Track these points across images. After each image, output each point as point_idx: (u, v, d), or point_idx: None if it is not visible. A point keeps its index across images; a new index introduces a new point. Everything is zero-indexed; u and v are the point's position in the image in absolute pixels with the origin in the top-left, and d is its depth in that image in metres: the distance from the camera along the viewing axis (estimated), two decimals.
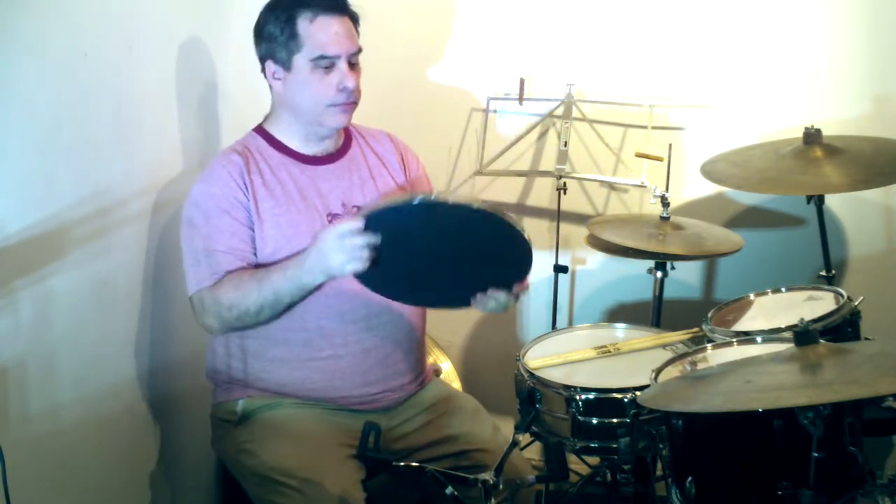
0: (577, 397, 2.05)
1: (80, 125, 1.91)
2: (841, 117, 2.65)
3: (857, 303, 2.06)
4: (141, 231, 2.15)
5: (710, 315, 2.23)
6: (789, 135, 2.48)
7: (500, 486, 1.70)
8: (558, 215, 2.75)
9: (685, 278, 2.87)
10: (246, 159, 2.04)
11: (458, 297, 1.97)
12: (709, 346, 2.04)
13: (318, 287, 1.96)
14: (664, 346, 2.27)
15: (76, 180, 1.90)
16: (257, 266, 2.01)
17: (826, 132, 2.37)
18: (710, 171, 2.45)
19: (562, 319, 2.93)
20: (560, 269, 2.76)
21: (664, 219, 2.52)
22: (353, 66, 2.04)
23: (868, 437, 1.74)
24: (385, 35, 2.91)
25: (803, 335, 1.61)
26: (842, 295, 2.09)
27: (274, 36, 2.02)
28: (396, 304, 2.07)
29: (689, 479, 1.72)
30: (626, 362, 2.23)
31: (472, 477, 1.69)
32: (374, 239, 1.82)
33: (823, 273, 2.48)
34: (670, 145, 2.61)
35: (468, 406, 2.20)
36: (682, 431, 1.76)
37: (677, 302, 2.81)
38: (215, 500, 2.56)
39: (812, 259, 2.56)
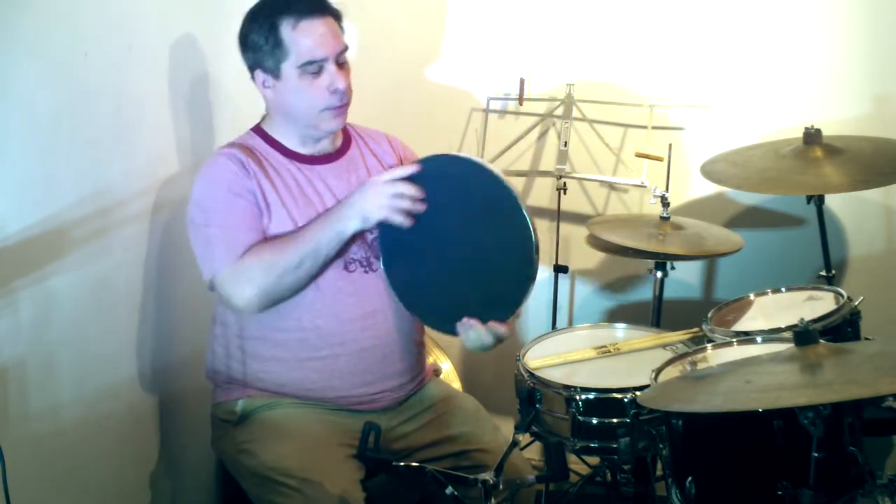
0: (577, 397, 2.05)
1: (80, 125, 1.91)
2: (841, 117, 2.65)
3: (857, 303, 2.06)
4: (141, 231, 2.15)
5: (710, 315, 2.23)
6: (789, 135, 2.48)
7: (500, 486, 1.70)
8: (558, 215, 2.75)
9: (685, 278, 2.88)
10: (246, 153, 2.04)
11: (445, 318, 1.98)
12: (709, 346, 2.04)
13: (353, 239, 1.99)
14: (664, 346, 2.27)
15: (76, 180, 1.90)
16: None
17: (826, 132, 2.37)
18: (710, 171, 2.45)
19: (562, 319, 2.93)
20: (560, 269, 2.77)
21: (664, 219, 2.52)
22: (341, 65, 2.02)
23: (868, 437, 1.74)
24: (385, 35, 2.92)
25: (803, 335, 1.61)
26: (842, 295, 2.09)
27: (259, 45, 2.00)
28: (394, 304, 2.07)
29: (689, 479, 1.72)
30: (626, 362, 2.23)
31: (472, 477, 1.69)
32: (417, 193, 1.90)
33: (823, 273, 2.49)
34: (670, 145, 2.61)
35: (468, 406, 2.20)
36: (682, 431, 1.76)
37: (677, 302, 2.81)
38: (215, 500, 2.56)
39: (812, 259, 2.57)
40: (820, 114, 2.61)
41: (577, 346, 2.30)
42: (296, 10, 1.97)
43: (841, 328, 2.01)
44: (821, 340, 1.61)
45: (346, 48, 2.04)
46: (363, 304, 2.04)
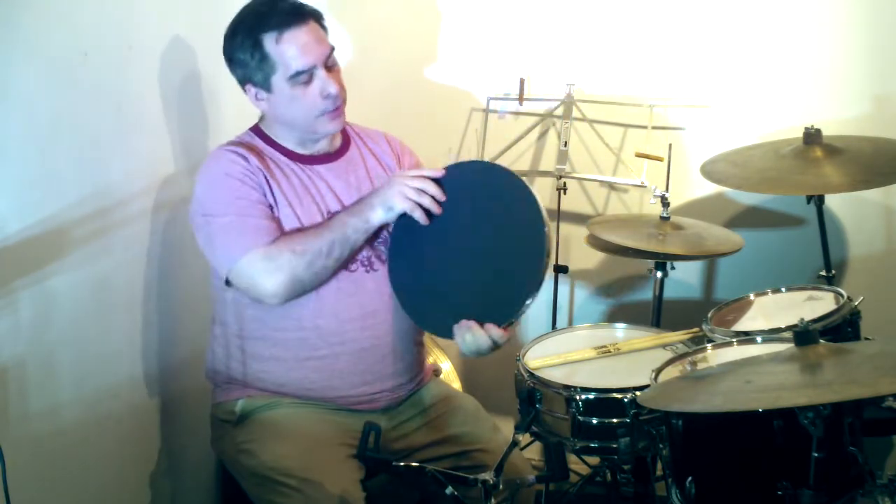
0: (577, 397, 2.05)
1: (80, 125, 1.91)
2: (841, 117, 2.65)
3: (857, 303, 2.05)
4: (141, 231, 2.15)
5: (710, 315, 2.23)
6: (789, 135, 2.48)
7: (500, 486, 1.70)
8: (558, 215, 2.76)
9: (685, 278, 2.88)
10: (249, 151, 2.03)
11: (442, 321, 1.97)
12: (709, 346, 2.04)
13: (379, 231, 2.03)
14: (664, 346, 2.27)
15: (76, 180, 1.90)
16: None
17: (826, 132, 2.37)
18: (710, 171, 2.45)
19: (562, 319, 2.93)
20: (560, 269, 2.77)
21: (664, 219, 2.52)
22: (330, 68, 2.01)
23: (868, 437, 1.73)
24: (385, 35, 2.92)
25: (803, 335, 1.61)
26: (842, 295, 2.09)
27: (245, 62, 1.98)
28: (394, 304, 2.07)
29: (689, 479, 1.72)
30: (626, 362, 2.23)
31: (472, 477, 1.69)
32: (439, 194, 1.95)
33: (823, 273, 2.48)
34: (670, 145, 2.61)
35: (468, 406, 2.20)
36: (682, 431, 1.76)
37: (677, 302, 2.81)
38: (215, 500, 2.56)
39: (812, 259, 2.56)
40: (820, 114, 2.61)
41: (577, 346, 2.30)
42: (276, 22, 1.94)
43: (841, 328, 2.01)
44: (821, 340, 1.61)
45: (332, 50, 2.02)
46: (363, 303, 2.04)
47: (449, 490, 1.68)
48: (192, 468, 2.46)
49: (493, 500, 1.69)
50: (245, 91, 2.04)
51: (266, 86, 1.99)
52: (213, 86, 2.45)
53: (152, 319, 2.20)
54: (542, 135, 2.90)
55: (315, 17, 2.02)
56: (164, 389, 2.27)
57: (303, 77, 1.97)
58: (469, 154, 2.93)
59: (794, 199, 2.72)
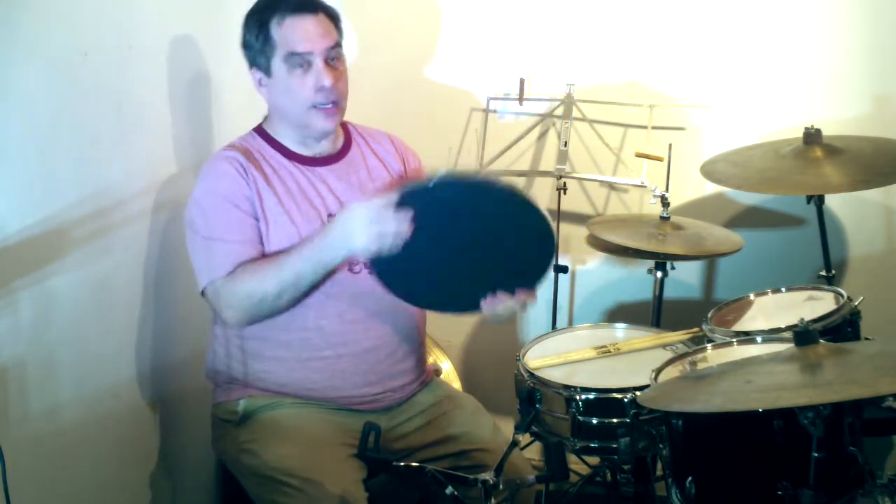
0: (577, 397, 2.05)
1: (80, 125, 1.91)
2: (841, 117, 2.65)
3: (857, 303, 2.05)
4: (141, 231, 2.15)
5: (710, 315, 2.23)
6: (789, 135, 2.48)
7: (500, 486, 1.70)
8: (558, 215, 2.75)
9: (685, 278, 2.88)
10: (247, 156, 2.04)
11: (467, 300, 1.94)
12: (709, 346, 2.04)
13: (338, 268, 1.96)
14: (664, 346, 2.27)
15: (76, 180, 1.90)
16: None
17: (826, 132, 2.37)
18: (710, 171, 2.45)
19: (562, 319, 2.93)
20: (560, 269, 2.76)
21: (664, 219, 2.52)
22: (332, 64, 2.02)
23: (868, 437, 1.74)
24: (385, 35, 2.92)
25: (803, 335, 1.61)
26: (842, 295, 2.09)
27: (251, 44, 2.04)
28: (397, 304, 2.07)
29: (689, 479, 1.72)
30: (626, 362, 2.23)
31: (472, 477, 1.69)
32: (405, 221, 1.81)
33: (823, 273, 2.48)
34: (670, 145, 2.61)
35: (468, 406, 2.20)
36: (682, 431, 1.76)
37: (677, 302, 2.81)
38: (215, 500, 2.56)
39: (812, 259, 2.56)
40: (820, 114, 2.61)
41: (577, 346, 2.30)
42: (285, 7, 2.00)
43: (841, 328, 2.01)
44: (821, 340, 1.61)
45: (336, 45, 2.03)
46: (366, 304, 2.04)
47: (449, 490, 1.68)
48: (192, 468, 2.46)
49: (493, 500, 1.69)
50: (251, 75, 2.07)
51: (267, 69, 2.03)
52: (213, 86, 2.45)
53: (152, 319, 2.20)
54: (542, 135, 2.90)
55: (327, 12, 2.05)
56: (165, 389, 2.27)
57: (298, 60, 1.99)
58: (469, 154, 2.93)
59: (794, 199, 2.72)
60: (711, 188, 2.78)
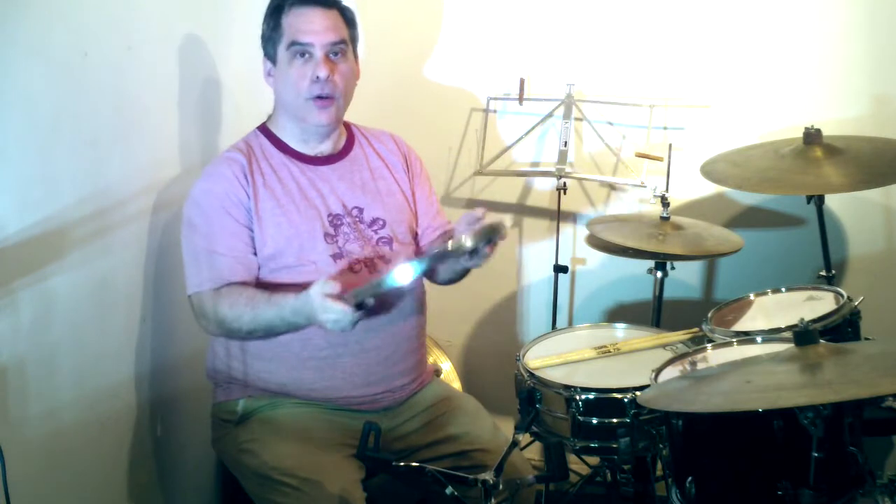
0: (577, 397, 2.05)
1: (80, 125, 1.91)
2: (841, 117, 2.65)
3: (857, 303, 2.05)
4: (141, 231, 2.15)
5: (710, 315, 2.23)
6: (789, 135, 2.48)
7: (500, 486, 1.70)
8: (558, 215, 2.75)
9: (685, 278, 2.88)
10: (249, 158, 2.05)
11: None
12: (709, 346, 2.04)
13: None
14: (664, 346, 2.28)
15: (76, 180, 1.90)
16: (260, 264, 2.02)
17: (826, 132, 2.37)
18: (710, 171, 2.45)
19: (562, 319, 2.93)
20: (560, 269, 2.77)
21: (664, 219, 2.52)
22: (333, 59, 2.03)
23: (868, 437, 1.74)
24: (385, 35, 2.92)
25: (803, 335, 1.61)
26: (842, 295, 2.09)
27: (265, 33, 2.07)
28: (397, 305, 2.07)
29: (689, 479, 1.72)
30: (626, 362, 2.23)
31: (472, 477, 1.69)
32: (361, 316, 1.84)
33: (823, 273, 2.48)
34: (670, 145, 2.61)
35: (468, 406, 2.20)
36: (682, 431, 1.76)
37: (677, 302, 2.81)
38: (215, 500, 2.56)
39: (812, 259, 2.56)
40: (820, 114, 2.61)
41: (577, 346, 2.30)
42: None
43: (841, 328, 2.01)
44: (821, 340, 1.61)
45: (341, 41, 2.05)
46: None
47: (449, 490, 1.68)
48: (192, 468, 2.46)
49: (493, 500, 1.69)
50: (262, 67, 2.10)
51: (273, 58, 2.06)
52: (213, 86, 2.45)
53: (152, 319, 2.20)
54: (542, 135, 2.90)
55: (340, 9, 2.08)
56: (165, 389, 2.27)
57: (297, 49, 2.01)
58: (469, 154, 2.93)
59: (794, 199, 2.72)
60: (711, 188, 2.78)
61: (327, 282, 1.84)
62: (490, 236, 1.87)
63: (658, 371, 1.94)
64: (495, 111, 2.89)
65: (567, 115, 2.74)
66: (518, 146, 2.86)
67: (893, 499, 1.62)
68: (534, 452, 2.94)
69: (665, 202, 2.52)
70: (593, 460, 2.71)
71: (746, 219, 2.82)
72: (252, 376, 2.06)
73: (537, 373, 2.16)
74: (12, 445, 1.55)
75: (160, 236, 2.21)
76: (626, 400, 2.02)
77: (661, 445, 1.87)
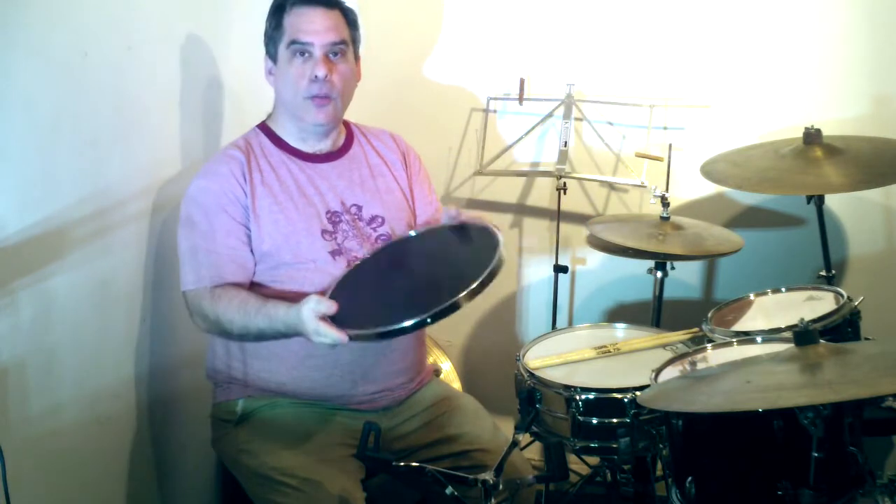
0: (577, 397, 2.05)
1: (80, 125, 1.91)
2: (841, 117, 2.65)
3: (857, 303, 2.05)
4: (141, 231, 2.15)
5: (710, 315, 2.23)
6: (789, 135, 2.48)
7: (500, 486, 1.70)
8: (558, 215, 2.75)
9: (685, 278, 2.88)
10: (247, 156, 2.05)
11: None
12: (709, 346, 2.04)
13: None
14: (664, 346, 2.28)
15: (76, 180, 1.90)
16: (257, 262, 2.02)
17: (826, 132, 2.37)
18: (710, 171, 2.45)
19: (562, 319, 2.93)
20: (560, 269, 2.77)
21: (664, 219, 2.52)
22: (332, 60, 2.04)
23: (868, 437, 1.74)
24: (386, 35, 2.92)
25: (803, 335, 1.61)
26: (842, 295, 2.09)
27: (267, 31, 2.08)
28: None
29: (689, 479, 1.72)
30: (626, 362, 2.23)
31: (472, 477, 1.69)
32: (344, 338, 1.74)
33: (823, 273, 2.48)
34: (670, 145, 2.61)
35: (468, 406, 2.20)
36: (682, 431, 1.76)
37: (677, 302, 2.81)
38: (215, 500, 2.56)
39: (812, 259, 2.56)
40: (820, 114, 2.61)
41: (577, 346, 2.30)
42: None
43: (841, 328, 2.01)
44: (821, 340, 1.61)
45: (341, 42, 2.05)
46: None
47: (449, 490, 1.68)
48: (192, 468, 2.46)
49: (493, 500, 1.69)
50: (264, 66, 2.11)
51: (274, 56, 2.07)
52: (213, 86, 2.45)
53: (152, 319, 2.20)
54: (542, 135, 2.90)
55: (343, 10, 2.08)
56: (165, 389, 2.27)
57: (297, 48, 2.02)
58: (469, 154, 2.93)
59: (794, 199, 2.72)
60: (711, 188, 2.78)
61: (321, 300, 1.79)
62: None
63: (658, 371, 1.94)
64: (495, 111, 2.89)
65: (567, 115, 2.74)
66: (518, 146, 2.86)
67: (893, 499, 1.62)
68: (534, 452, 2.94)
69: (665, 202, 2.52)
70: (593, 460, 2.71)
71: (746, 219, 2.82)
72: (252, 376, 2.06)
73: (537, 373, 2.16)
74: (12, 445, 1.55)
75: (160, 236, 2.21)
76: (626, 400, 2.02)
77: (661, 445, 1.87)
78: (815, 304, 2.15)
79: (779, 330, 1.99)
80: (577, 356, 2.24)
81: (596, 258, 2.93)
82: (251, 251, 2.02)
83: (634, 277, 2.84)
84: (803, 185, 2.32)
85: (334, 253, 2.03)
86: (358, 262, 2.00)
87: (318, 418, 2.03)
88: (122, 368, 2.12)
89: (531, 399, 2.12)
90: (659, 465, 2.11)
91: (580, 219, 2.86)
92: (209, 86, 2.44)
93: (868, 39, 2.65)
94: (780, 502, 1.61)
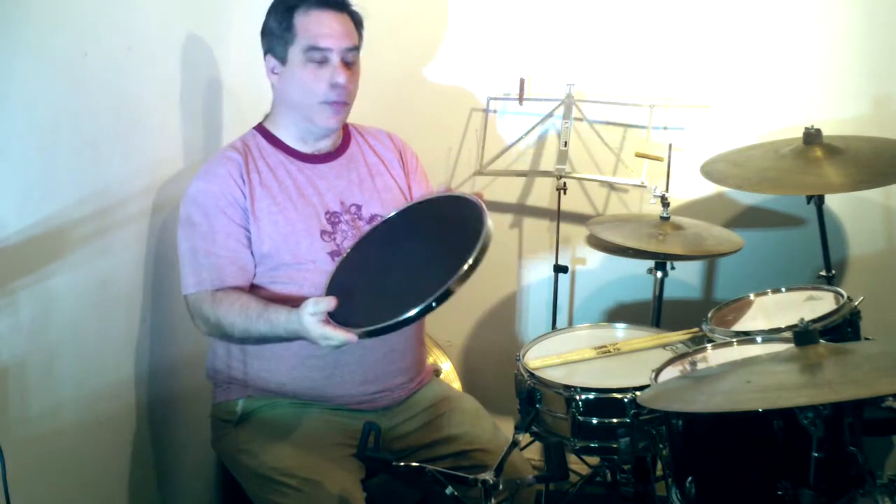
0: (577, 397, 2.05)
1: (80, 125, 1.91)
2: (841, 117, 2.65)
3: (857, 303, 2.05)
4: (141, 231, 2.15)
5: (710, 315, 2.23)
6: (789, 135, 2.48)
7: (500, 486, 1.70)
8: (558, 215, 2.75)
9: (685, 278, 2.88)
10: (245, 157, 2.05)
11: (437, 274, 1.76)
12: (709, 346, 2.04)
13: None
14: (664, 346, 2.27)
15: (76, 180, 1.90)
16: (257, 263, 2.02)
17: (826, 132, 2.37)
18: (710, 171, 2.45)
19: (562, 319, 2.93)
20: (560, 269, 2.77)
21: (664, 219, 2.52)
22: (348, 64, 2.04)
23: (868, 437, 1.74)
24: (385, 35, 2.91)
25: (803, 335, 1.61)
26: (842, 295, 2.09)
27: (273, 30, 2.05)
28: None
29: (689, 479, 1.72)
30: (626, 362, 2.23)
31: (472, 477, 1.69)
32: (352, 337, 1.72)
33: (823, 273, 2.48)
34: (670, 145, 2.61)
35: (468, 406, 2.20)
36: (682, 431, 1.76)
37: (677, 302, 2.81)
38: (215, 500, 2.56)
39: (812, 259, 2.56)
40: (820, 114, 2.61)
41: (577, 346, 2.30)
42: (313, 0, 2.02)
43: (841, 328, 2.01)
44: (821, 340, 1.61)
45: (355, 48, 2.06)
46: None
47: (449, 490, 1.68)
48: (192, 468, 2.46)
49: (493, 500, 1.69)
50: (265, 63, 2.08)
51: (283, 58, 2.04)
52: (213, 86, 2.45)
53: (152, 319, 2.20)
54: (542, 135, 2.90)
55: (352, 14, 2.08)
56: (165, 389, 2.27)
57: (316, 55, 2.00)
58: (469, 154, 2.93)
59: (794, 199, 2.72)
60: (711, 188, 2.78)
61: (318, 301, 1.77)
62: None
63: (658, 371, 1.94)
64: (495, 111, 2.89)
65: (567, 115, 2.74)
66: (518, 146, 2.86)
67: (893, 499, 1.61)
68: (534, 452, 2.94)
69: (665, 202, 2.52)
70: (593, 460, 2.71)
71: (746, 219, 2.82)
72: (252, 376, 2.06)
73: (537, 373, 2.16)
74: (12, 445, 1.55)
75: (160, 236, 2.21)
76: (626, 400, 2.02)
77: (661, 445, 1.87)
78: (815, 304, 2.14)
79: (779, 330, 1.99)
80: (577, 356, 2.24)
81: (596, 258, 2.93)
82: (251, 253, 2.02)
83: (634, 277, 2.84)
84: (803, 185, 2.32)
85: (333, 254, 2.03)
86: (345, 255, 1.98)
87: (318, 418, 2.03)
88: (122, 368, 2.12)
89: (531, 399, 2.12)
90: (659, 465, 2.11)
91: (580, 219, 2.86)
92: (209, 86, 2.44)
93: (868, 39, 2.65)
94: (780, 502, 1.61)
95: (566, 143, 2.71)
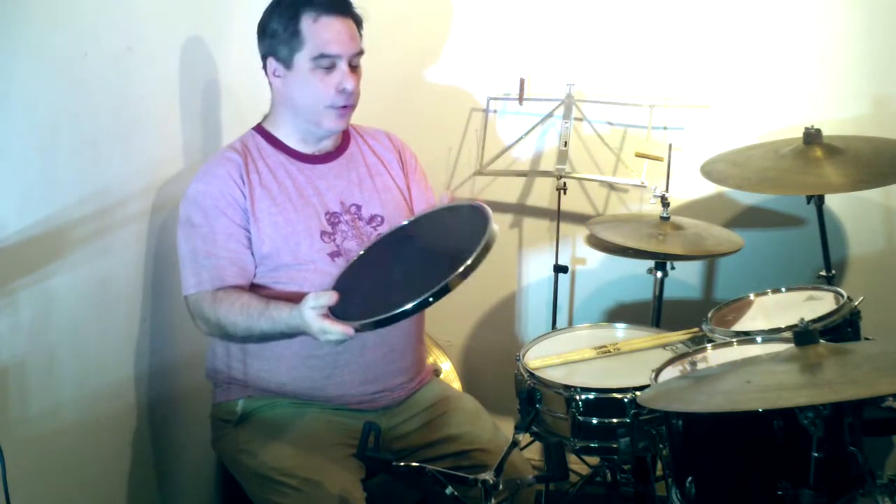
0: (577, 397, 2.05)
1: (80, 125, 1.91)
2: (841, 117, 2.65)
3: (857, 303, 2.05)
4: (141, 231, 2.15)
5: (710, 315, 2.23)
6: (789, 135, 2.48)
7: (500, 486, 1.70)
8: (558, 215, 2.75)
9: (685, 278, 2.88)
10: (245, 158, 2.05)
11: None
12: (709, 346, 2.04)
13: None
14: (664, 346, 2.27)
15: (76, 180, 1.90)
16: (257, 263, 2.03)
17: (826, 132, 2.37)
18: (710, 171, 2.45)
19: (562, 319, 2.93)
20: (560, 269, 2.77)
21: (664, 219, 2.52)
22: (353, 68, 2.05)
23: (868, 437, 1.74)
24: (385, 35, 2.91)
25: (803, 335, 1.61)
26: (842, 295, 2.09)
27: (277, 33, 2.02)
28: None
29: (689, 479, 1.72)
30: (626, 362, 2.23)
31: (472, 477, 1.69)
32: (349, 331, 1.74)
33: (823, 273, 2.48)
34: (670, 145, 2.61)
35: (468, 406, 2.20)
36: (682, 431, 1.76)
37: (677, 302, 2.81)
38: (215, 500, 2.56)
39: (812, 259, 2.56)
40: (820, 114, 2.61)
41: (577, 346, 2.30)
42: (320, 4, 2.00)
43: (841, 328, 2.01)
44: (821, 340, 1.61)
45: (361, 52, 2.06)
46: None
47: (449, 490, 1.68)
48: (192, 468, 2.46)
49: (493, 500, 1.69)
50: (265, 66, 2.07)
51: (288, 62, 2.02)
52: (213, 86, 2.45)
53: (152, 319, 2.20)
54: (542, 135, 2.90)
55: (356, 18, 2.07)
56: (165, 389, 2.27)
57: (325, 62, 2.00)
58: (469, 154, 2.93)
59: (794, 199, 2.72)
60: (711, 188, 2.78)
61: (319, 295, 1.79)
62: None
63: (658, 371, 1.94)
64: (495, 111, 2.89)
65: (567, 115, 2.74)
66: (518, 146, 2.86)
67: (893, 499, 1.61)
68: (534, 452, 2.94)
69: (665, 202, 2.52)
70: (593, 460, 2.71)
71: (746, 219, 2.82)
72: (252, 376, 2.06)
73: (537, 373, 2.16)
74: (12, 445, 1.55)
75: (160, 236, 2.21)
76: (626, 400, 2.02)
77: (661, 445, 1.87)
78: (815, 304, 2.14)
79: (779, 330, 1.99)
80: (577, 356, 2.24)
81: (596, 258, 2.92)
82: (251, 253, 2.02)
83: (634, 277, 2.84)
84: (803, 185, 2.32)
85: (333, 255, 2.03)
86: (355, 258, 1.99)
87: (317, 418, 2.03)
88: (122, 368, 2.12)
89: (531, 399, 2.12)
90: (659, 465, 2.11)
91: (580, 219, 2.86)
92: (209, 86, 2.44)
93: (868, 39, 2.65)
94: (780, 502, 1.61)
95: (566, 143, 2.71)
